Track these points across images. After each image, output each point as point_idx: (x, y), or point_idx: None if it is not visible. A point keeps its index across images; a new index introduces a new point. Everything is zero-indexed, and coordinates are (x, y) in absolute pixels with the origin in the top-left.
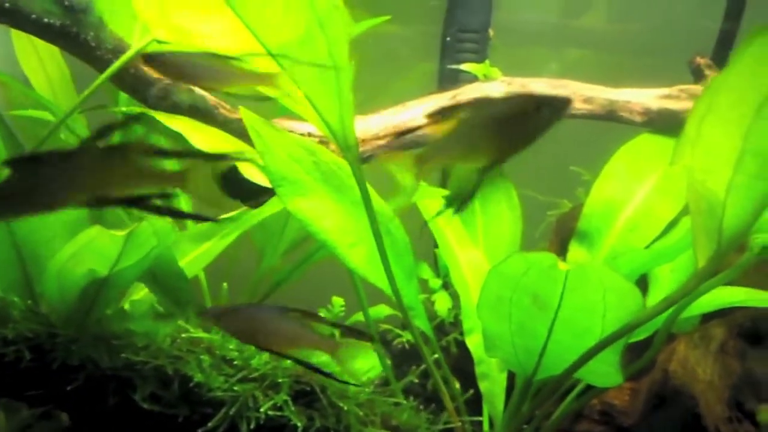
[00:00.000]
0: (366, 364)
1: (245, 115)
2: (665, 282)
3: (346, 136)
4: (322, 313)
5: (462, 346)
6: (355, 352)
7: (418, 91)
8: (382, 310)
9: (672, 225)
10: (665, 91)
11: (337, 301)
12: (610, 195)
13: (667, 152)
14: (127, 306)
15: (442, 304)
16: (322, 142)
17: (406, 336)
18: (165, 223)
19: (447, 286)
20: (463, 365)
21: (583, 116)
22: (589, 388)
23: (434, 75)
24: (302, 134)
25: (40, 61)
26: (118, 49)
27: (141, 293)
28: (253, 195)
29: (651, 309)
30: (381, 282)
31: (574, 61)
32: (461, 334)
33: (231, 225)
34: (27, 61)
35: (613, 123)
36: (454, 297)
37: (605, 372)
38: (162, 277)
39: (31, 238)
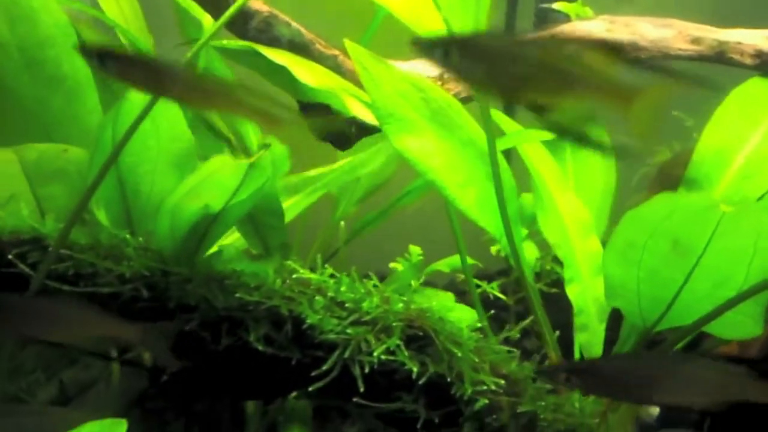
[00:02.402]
0: (463, 314)
1: (352, 48)
2: None
3: None
4: (399, 263)
5: (546, 298)
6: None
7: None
8: (458, 261)
9: None
10: None
11: (415, 250)
12: (721, 141)
13: None
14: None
15: (529, 254)
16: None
17: (486, 287)
18: (283, 150)
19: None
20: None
21: (690, 58)
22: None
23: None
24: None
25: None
26: None
27: (229, 238)
28: (342, 137)
29: None
30: (491, 225)
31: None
32: (546, 285)
33: (322, 180)
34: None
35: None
36: (541, 247)
37: (742, 323)
38: (260, 214)
39: (133, 172)
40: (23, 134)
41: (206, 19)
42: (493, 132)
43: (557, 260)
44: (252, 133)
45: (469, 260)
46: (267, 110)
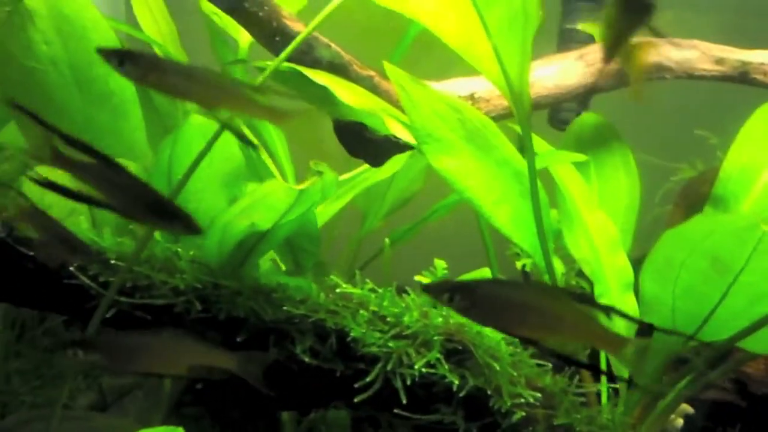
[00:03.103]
0: None
1: (391, 71)
2: None
3: (522, 89)
4: (425, 276)
5: None
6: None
7: (537, 52)
8: (487, 273)
9: None
10: None
11: (440, 264)
12: (748, 159)
13: None
14: None
15: (556, 268)
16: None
17: None
18: (333, 178)
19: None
20: None
21: (714, 78)
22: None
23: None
24: (464, 95)
25: (153, 19)
26: (263, 2)
27: None
28: (377, 154)
29: None
30: (525, 241)
31: (694, 23)
32: None
33: (344, 187)
34: (143, 18)
35: (729, 86)
36: (565, 262)
37: None
38: (297, 238)
39: (183, 189)
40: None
41: (242, 38)
42: (532, 149)
43: (581, 274)
44: (283, 156)
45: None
46: (275, 107)
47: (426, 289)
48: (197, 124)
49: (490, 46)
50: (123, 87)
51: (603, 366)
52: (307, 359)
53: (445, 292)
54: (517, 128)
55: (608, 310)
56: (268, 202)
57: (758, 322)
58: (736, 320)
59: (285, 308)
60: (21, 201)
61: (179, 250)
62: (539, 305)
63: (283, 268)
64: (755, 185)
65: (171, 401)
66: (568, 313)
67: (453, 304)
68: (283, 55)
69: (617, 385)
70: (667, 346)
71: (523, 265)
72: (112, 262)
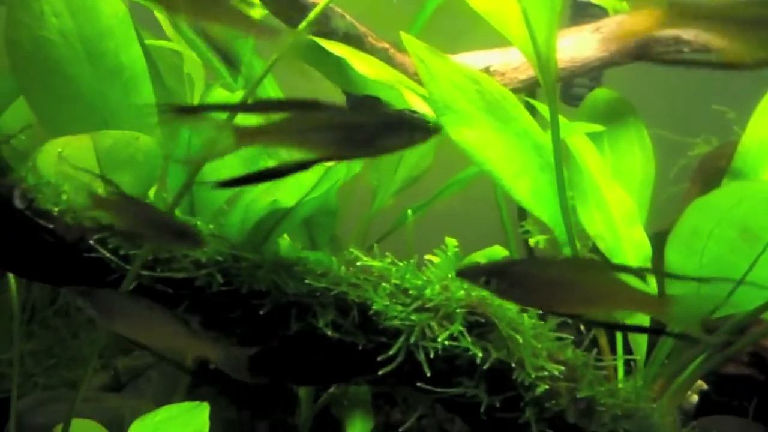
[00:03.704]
0: None
1: (408, 41)
2: None
3: (549, 55)
4: (437, 254)
5: None
6: None
7: None
8: (498, 251)
9: None
10: None
11: (451, 242)
12: (766, 132)
13: None
14: None
15: None
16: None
17: None
18: None
19: None
20: None
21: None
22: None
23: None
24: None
25: None
26: None
27: None
28: None
29: None
30: (546, 214)
31: None
32: None
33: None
34: None
35: None
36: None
37: None
38: (315, 213)
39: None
40: (84, 124)
41: (254, 13)
42: (557, 123)
43: (595, 250)
44: None
45: (506, 252)
46: (263, 24)
47: (461, 274)
48: (219, 96)
49: (518, 10)
50: (134, 61)
51: (619, 339)
52: (329, 333)
53: (482, 275)
54: (534, 102)
55: (642, 273)
56: (293, 179)
57: None
58: (763, 291)
59: (306, 281)
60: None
61: (199, 223)
62: (578, 279)
63: (298, 245)
64: None
65: (187, 381)
66: (606, 283)
67: (490, 287)
68: (304, 24)
69: (635, 357)
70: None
71: (536, 242)
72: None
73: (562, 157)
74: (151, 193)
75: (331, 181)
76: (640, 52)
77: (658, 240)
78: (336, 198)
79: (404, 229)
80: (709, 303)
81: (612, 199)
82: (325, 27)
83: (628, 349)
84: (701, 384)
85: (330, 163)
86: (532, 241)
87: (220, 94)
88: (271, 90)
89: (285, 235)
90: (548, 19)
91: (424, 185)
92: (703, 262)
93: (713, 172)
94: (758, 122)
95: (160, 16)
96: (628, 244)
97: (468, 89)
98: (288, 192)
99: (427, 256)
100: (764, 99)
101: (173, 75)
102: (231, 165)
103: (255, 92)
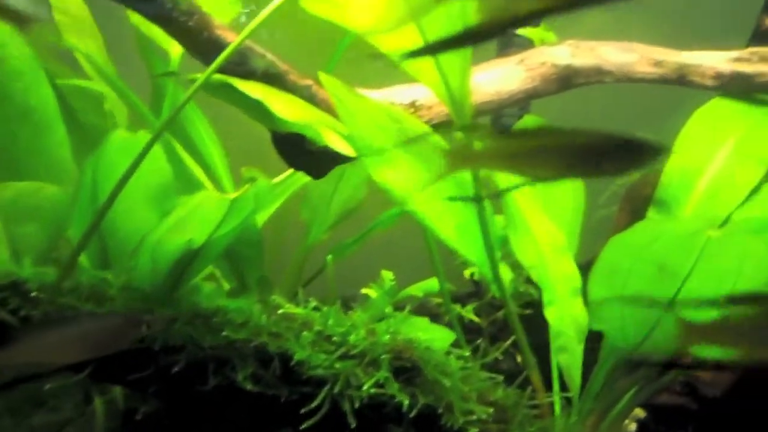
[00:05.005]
0: (439, 335)
1: (326, 81)
2: None
3: (463, 97)
4: (372, 288)
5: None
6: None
7: (477, 56)
8: (434, 285)
9: (755, 191)
10: (736, 53)
11: (387, 275)
12: (687, 162)
13: (744, 116)
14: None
15: (504, 276)
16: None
17: (461, 310)
18: (266, 184)
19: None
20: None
21: (653, 81)
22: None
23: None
24: (405, 103)
25: (77, 28)
26: (192, 11)
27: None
28: (319, 165)
29: None
30: (471, 252)
31: (631, 25)
32: (520, 307)
33: (277, 191)
34: (65, 28)
35: (668, 88)
36: (513, 268)
37: None
38: (238, 246)
39: (111, 209)
40: None
41: (174, 50)
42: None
43: (530, 281)
44: (221, 166)
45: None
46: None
47: None
48: (120, 139)
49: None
50: (45, 102)
51: (554, 373)
52: (249, 386)
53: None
54: (459, 135)
55: None
56: (199, 214)
57: None
58: None
59: (224, 333)
60: None
61: (109, 276)
62: None
63: (226, 286)
64: (696, 188)
65: None
66: None
67: None
68: (213, 66)
69: (570, 395)
70: (618, 351)
71: (471, 274)
72: (33, 294)
73: (482, 194)
74: None
75: (241, 214)
76: (563, 83)
77: (588, 270)
78: (257, 228)
79: (339, 263)
80: (624, 351)
81: (540, 231)
82: (244, 66)
83: (563, 385)
84: (639, 412)
85: (235, 195)
86: (467, 273)
87: (120, 136)
88: (199, 125)
89: (206, 282)
90: (460, 65)
91: (365, 216)
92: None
93: (640, 200)
94: (678, 153)
95: (80, 55)
96: (557, 276)
97: (388, 128)
98: (195, 230)
99: (363, 290)
100: (684, 129)
101: (96, 111)
102: (143, 205)
103: (174, 125)
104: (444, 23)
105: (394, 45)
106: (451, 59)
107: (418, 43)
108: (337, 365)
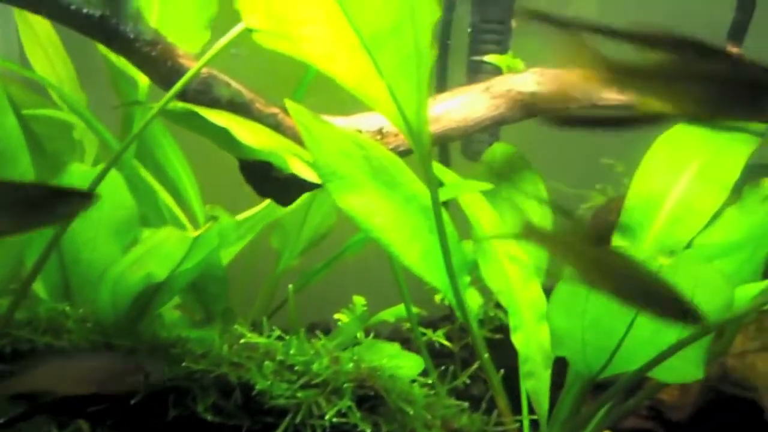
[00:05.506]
0: (409, 362)
1: (292, 108)
2: None
3: (421, 128)
4: (343, 314)
5: (490, 343)
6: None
7: (452, 81)
8: (402, 311)
9: (717, 216)
10: None
11: (359, 301)
12: (651, 187)
13: (707, 141)
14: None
15: (473, 301)
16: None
17: (431, 335)
18: (231, 221)
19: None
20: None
21: (618, 107)
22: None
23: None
24: (371, 131)
25: (48, 58)
26: (156, 41)
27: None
28: (286, 192)
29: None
30: (436, 278)
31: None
32: (490, 331)
33: (247, 225)
34: (36, 58)
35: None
36: (483, 293)
37: (684, 368)
38: (203, 282)
39: (73, 241)
40: None
41: (142, 79)
42: (436, 186)
43: (500, 306)
44: (195, 201)
45: (414, 309)
46: None
47: None
48: (77, 172)
49: (384, 87)
50: (9, 132)
51: (523, 398)
52: (209, 417)
53: None
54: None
55: None
56: (162, 250)
57: (663, 352)
58: (643, 351)
59: (184, 364)
60: None
61: (67, 308)
62: None
63: (198, 316)
64: (659, 214)
65: None
66: None
67: None
68: (171, 93)
69: (536, 417)
70: (582, 377)
71: (442, 299)
72: None
73: (443, 221)
74: None
75: (204, 250)
76: (528, 110)
77: None
78: (221, 265)
79: (311, 290)
80: (588, 376)
81: (507, 256)
82: (208, 95)
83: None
84: None
85: (198, 232)
86: (437, 298)
87: (78, 169)
88: (169, 149)
89: (176, 311)
90: (416, 94)
91: (336, 241)
92: (585, 325)
93: (605, 226)
94: (642, 178)
95: (49, 85)
96: (524, 301)
97: (354, 155)
98: (159, 264)
99: (335, 316)
100: (647, 154)
101: (65, 138)
102: (106, 238)
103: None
104: (397, 53)
105: (348, 75)
106: (406, 90)
107: (371, 72)
108: (299, 394)
